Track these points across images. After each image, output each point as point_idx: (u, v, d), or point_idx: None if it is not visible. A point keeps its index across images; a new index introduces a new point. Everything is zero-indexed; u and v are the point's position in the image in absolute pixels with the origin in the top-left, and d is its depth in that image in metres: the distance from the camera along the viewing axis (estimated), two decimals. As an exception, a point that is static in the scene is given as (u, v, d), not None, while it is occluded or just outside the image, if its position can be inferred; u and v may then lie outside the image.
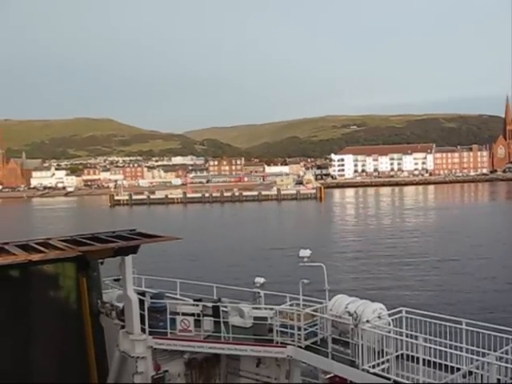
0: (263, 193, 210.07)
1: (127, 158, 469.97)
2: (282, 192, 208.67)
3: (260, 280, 22.71)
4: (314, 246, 72.25)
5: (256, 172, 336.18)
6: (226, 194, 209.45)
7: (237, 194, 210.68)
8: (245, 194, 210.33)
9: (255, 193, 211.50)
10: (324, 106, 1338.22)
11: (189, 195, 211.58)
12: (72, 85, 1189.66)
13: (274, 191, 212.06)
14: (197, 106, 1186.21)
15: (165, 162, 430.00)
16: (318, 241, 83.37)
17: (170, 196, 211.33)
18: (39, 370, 22.19)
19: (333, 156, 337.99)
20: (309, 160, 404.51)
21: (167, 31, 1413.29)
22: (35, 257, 19.96)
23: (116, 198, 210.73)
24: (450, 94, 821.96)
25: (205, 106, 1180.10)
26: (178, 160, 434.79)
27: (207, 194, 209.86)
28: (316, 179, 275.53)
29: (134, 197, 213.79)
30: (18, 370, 21.59)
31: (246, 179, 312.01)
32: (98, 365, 23.41)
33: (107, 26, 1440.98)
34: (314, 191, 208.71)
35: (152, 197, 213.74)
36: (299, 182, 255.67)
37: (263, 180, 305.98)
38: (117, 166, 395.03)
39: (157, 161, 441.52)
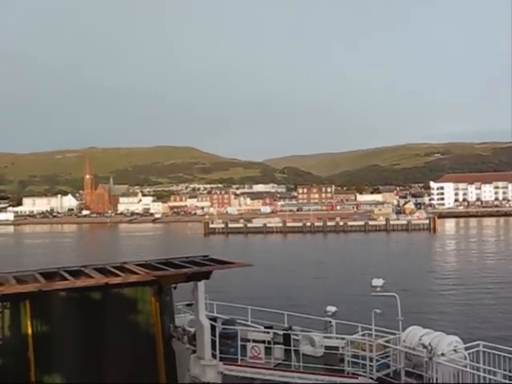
0: (370, 223, 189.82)
1: (208, 186, 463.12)
2: (391, 222, 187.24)
3: (332, 309, 22.22)
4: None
5: (347, 200, 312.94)
6: (329, 224, 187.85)
7: (341, 223, 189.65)
8: (350, 223, 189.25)
9: (361, 223, 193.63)
10: (405, 134, 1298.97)
11: (289, 224, 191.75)
12: (153, 114, 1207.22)
13: (381, 221, 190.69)
14: (276, 134, 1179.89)
15: (246, 190, 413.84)
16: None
17: (268, 225, 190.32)
18: None
19: (431, 184, 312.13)
20: (397, 188, 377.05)
21: (248, 60, 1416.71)
22: (112, 280, 20.20)
23: (211, 226, 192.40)
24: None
25: (283, 134, 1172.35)
26: (259, 188, 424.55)
27: (308, 223, 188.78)
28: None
29: (230, 225, 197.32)
30: None
31: (338, 207, 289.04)
32: None
33: (188, 57, 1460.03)
34: (427, 221, 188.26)
35: (249, 225, 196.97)
36: (399, 212, 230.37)
37: (357, 208, 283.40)
38: (201, 194, 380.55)
39: (237, 188, 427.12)
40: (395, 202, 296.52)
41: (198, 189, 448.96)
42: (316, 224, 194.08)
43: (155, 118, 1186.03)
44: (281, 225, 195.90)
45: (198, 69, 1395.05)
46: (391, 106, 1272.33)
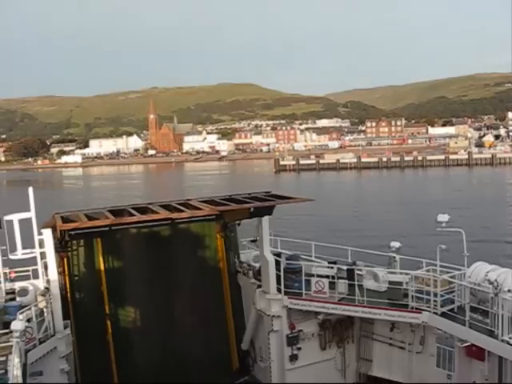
0: (451, 157, 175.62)
1: (270, 122, 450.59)
2: (474, 156, 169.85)
3: (396, 244, 22.23)
4: None
5: (418, 133, 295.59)
6: (406, 159, 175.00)
7: (419, 158, 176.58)
8: (429, 158, 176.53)
9: (441, 157, 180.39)
10: (472, 64, 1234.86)
11: (363, 160, 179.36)
12: (213, 51, 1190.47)
13: (463, 155, 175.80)
14: (337, 68, 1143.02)
15: (310, 125, 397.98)
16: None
17: (342, 161, 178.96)
18: (180, 322, 23.39)
19: (510, 115, 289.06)
20: (470, 120, 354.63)
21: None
22: (178, 215, 20.82)
23: (282, 163, 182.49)
24: None
25: (345, 67, 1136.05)
26: (323, 123, 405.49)
27: (384, 159, 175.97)
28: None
29: (302, 161, 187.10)
30: (162, 322, 23.09)
31: (409, 141, 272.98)
32: (235, 321, 24.32)
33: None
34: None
35: (321, 161, 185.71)
36: (479, 145, 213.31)
37: (429, 142, 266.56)
38: (265, 130, 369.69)
39: (300, 124, 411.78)
40: (469, 135, 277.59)
41: (261, 125, 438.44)
42: (392, 159, 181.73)
43: (216, 56, 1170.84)
44: (355, 160, 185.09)
45: (258, 4, 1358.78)
46: (457, 33, 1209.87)
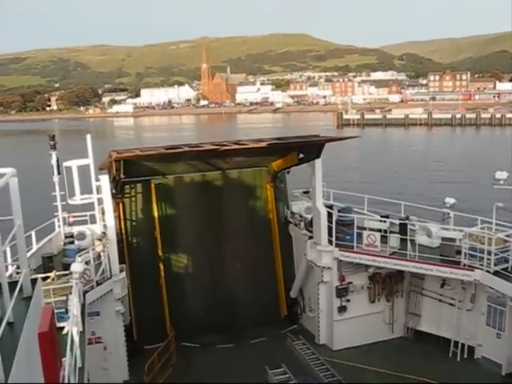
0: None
1: (323, 74, 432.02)
2: None
3: (450, 200, 21.40)
4: None
5: (485, 89, 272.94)
6: (483, 116, 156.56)
7: (498, 115, 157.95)
8: (509, 116, 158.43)
9: None
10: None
11: (435, 116, 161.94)
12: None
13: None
14: (392, 19, 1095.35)
15: (364, 78, 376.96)
16: None
17: (411, 116, 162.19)
18: (230, 269, 24.06)
19: None
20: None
21: None
22: (225, 148, 20.01)
23: (345, 117, 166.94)
24: None
25: (400, 18, 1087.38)
26: (377, 75, 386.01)
27: (458, 115, 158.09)
28: None
29: (367, 116, 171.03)
30: (212, 268, 23.96)
31: (477, 97, 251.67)
32: (285, 270, 24.87)
33: None
34: None
35: (388, 116, 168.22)
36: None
37: (498, 98, 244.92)
38: (320, 82, 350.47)
39: (354, 76, 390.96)
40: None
41: (313, 77, 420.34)
42: (467, 116, 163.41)
43: (267, 3, 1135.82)
44: (425, 116, 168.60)
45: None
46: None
